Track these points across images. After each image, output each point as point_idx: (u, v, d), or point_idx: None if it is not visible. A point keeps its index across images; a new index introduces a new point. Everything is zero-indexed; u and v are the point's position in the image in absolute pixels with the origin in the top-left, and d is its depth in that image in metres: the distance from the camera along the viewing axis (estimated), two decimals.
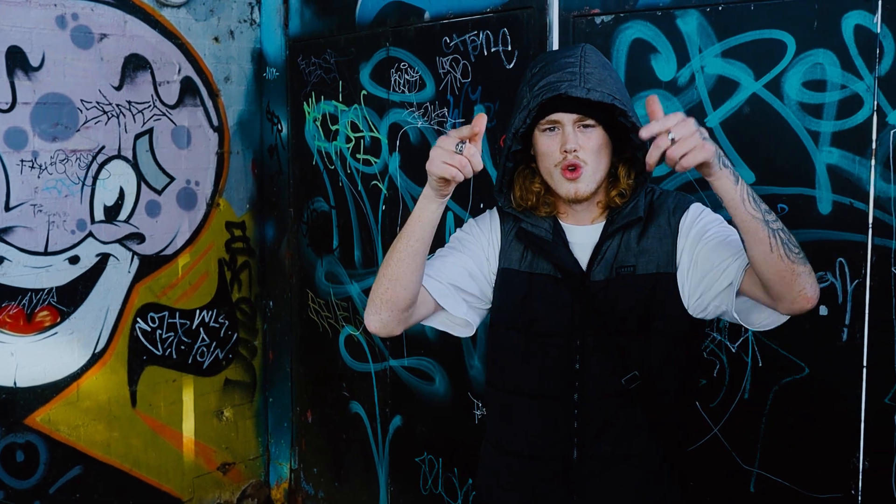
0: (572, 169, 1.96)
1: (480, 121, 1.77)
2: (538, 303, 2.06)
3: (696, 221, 2.01)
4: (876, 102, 2.53)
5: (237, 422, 4.54)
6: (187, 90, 4.19)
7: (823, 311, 2.65)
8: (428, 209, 1.91)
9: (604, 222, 2.07)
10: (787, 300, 1.84)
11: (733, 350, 2.81)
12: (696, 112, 2.80)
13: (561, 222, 2.11)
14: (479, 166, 1.78)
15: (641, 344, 2.02)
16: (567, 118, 1.95)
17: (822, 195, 2.63)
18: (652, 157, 1.69)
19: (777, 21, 2.65)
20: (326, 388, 4.26)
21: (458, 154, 1.75)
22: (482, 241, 2.14)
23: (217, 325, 4.41)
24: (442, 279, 2.07)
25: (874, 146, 2.54)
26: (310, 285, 4.31)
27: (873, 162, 2.55)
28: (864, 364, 2.61)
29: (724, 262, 1.92)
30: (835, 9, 2.56)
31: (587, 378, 2.03)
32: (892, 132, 2.51)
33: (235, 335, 4.50)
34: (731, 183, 1.75)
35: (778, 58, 2.66)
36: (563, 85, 1.92)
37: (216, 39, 4.30)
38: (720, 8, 2.74)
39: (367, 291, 3.84)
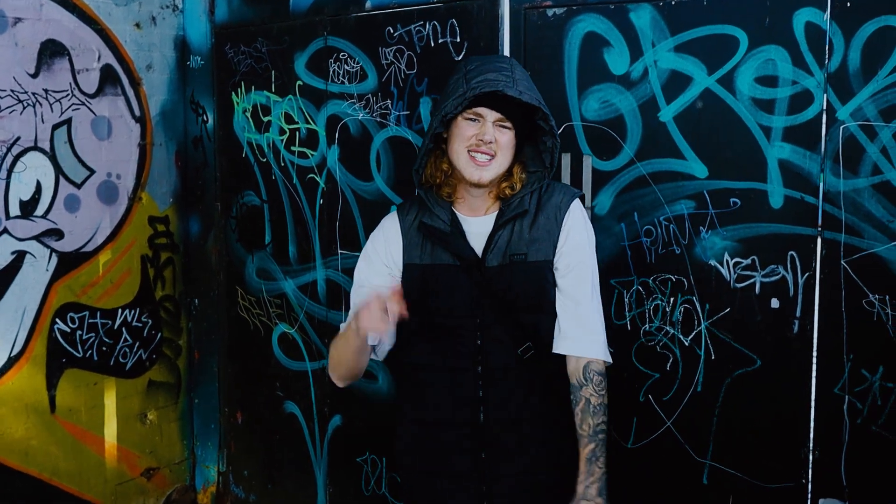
0: (483, 157, 2.24)
1: (397, 296, 2.13)
2: (441, 289, 2.33)
3: (571, 235, 2.31)
4: (826, 98, 2.57)
5: (161, 425, 4.36)
6: (108, 78, 3.98)
7: (775, 303, 2.69)
8: (361, 338, 2.23)
9: (496, 213, 2.34)
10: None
11: (686, 343, 2.83)
12: (650, 106, 2.80)
13: (457, 213, 2.37)
14: (389, 332, 2.17)
15: (533, 320, 2.31)
16: (490, 115, 2.24)
17: (774, 189, 2.66)
18: None
19: (730, 16, 2.67)
20: (258, 388, 4.13)
21: (384, 318, 2.09)
22: (381, 257, 2.42)
23: (140, 325, 4.22)
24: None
25: (824, 142, 2.59)
26: (239, 282, 4.17)
27: (823, 157, 2.59)
28: (815, 355, 2.66)
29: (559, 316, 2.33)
30: (786, 5, 2.60)
31: (489, 351, 2.31)
32: (841, 128, 2.55)
33: (159, 335, 4.32)
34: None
35: (730, 53, 2.68)
36: (500, 83, 2.21)
37: (138, 25, 4.10)
38: (673, 2, 2.74)
39: (302, 288, 3.76)
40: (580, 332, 2.29)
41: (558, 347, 2.30)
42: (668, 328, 2.86)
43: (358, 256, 2.46)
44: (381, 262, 2.41)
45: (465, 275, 2.31)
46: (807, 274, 2.64)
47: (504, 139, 2.26)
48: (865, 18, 2.49)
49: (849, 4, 2.51)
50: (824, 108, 2.58)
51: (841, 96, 2.55)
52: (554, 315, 2.32)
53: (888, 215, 2.52)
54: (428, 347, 2.37)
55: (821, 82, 2.57)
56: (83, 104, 3.89)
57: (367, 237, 2.46)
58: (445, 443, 2.37)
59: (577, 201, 2.36)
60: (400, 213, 2.45)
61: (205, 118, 4.23)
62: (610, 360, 2.33)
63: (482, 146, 2.23)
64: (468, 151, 2.24)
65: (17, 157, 3.63)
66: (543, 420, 2.36)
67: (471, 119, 2.25)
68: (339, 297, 3.65)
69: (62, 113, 3.80)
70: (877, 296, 2.55)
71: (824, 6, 2.55)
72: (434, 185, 2.37)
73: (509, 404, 2.33)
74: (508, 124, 2.26)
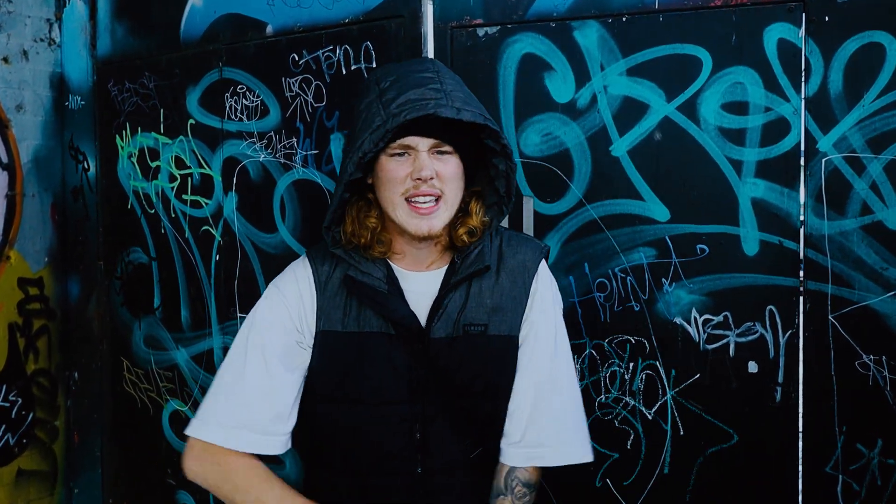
0: (427, 200, 1.77)
1: None
2: (370, 367, 1.84)
3: (539, 303, 1.90)
4: (804, 127, 2.25)
5: None
6: None
7: (753, 367, 2.33)
8: None
9: (444, 267, 1.89)
10: None
11: (650, 417, 2.42)
12: (600, 138, 2.42)
13: (394, 266, 1.89)
14: None
15: (488, 409, 1.88)
16: (423, 143, 1.77)
17: (748, 233, 2.31)
18: None
19: (690, 35, 2.34)
20: (147, 474, 3.56)
21: None
22: (292, 318, 1.88)
23: (7, 404, 3.62)
24: (268, 430, 1.85)
25: (804, 177, 2.26)
26: (125, 352, 3.61)
27: (803, 195, 2.26)
28: (801, 428, 2.32)
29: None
30: (755, 21, 2.28)
31: (430, 448, 1.86)
32: (823, 161, 2.23)
33: (31, 415, 3.72)
34: None
35: (692, 76, 2.35)
36: (429, 104, 1.72)
37: (6, 60, 3.59)
38: (624, 19, 2.38)
39: (196, 358, 3.25)
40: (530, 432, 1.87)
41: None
42: (627, 399, 2.46)
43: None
44: (291, 327, 1.88)
45: (402, 348, 1.84)
46: (789, 332, 2.30)
47: (448, 170, 1.78)
48: (847, 35, 2.20)
49: (827, 19, 2.22)
50: (803, 138, 2.27)
51: (822, 124, 2.23)
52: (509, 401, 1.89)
53: (881, 261, 2.19)
54: (349, 444, 1.88)
55: (798, 108, 2.26)
56: None
57: None
58: None
59: (544, 261, 1.95)
60: (313, 262, 1.92)
61: (86, 165, 3.71)
62: (589, 458, 1.91)
63: (421, 186, 1.76)
64: (406, 200, 1.78)
65: None
66: None
67: (398, 154, 1.78)
68: None
69: None
70: (871, 356, 2.22)
71: (799, 21, 2.24)
72: (360, 247, 1.88)
73: None
74: (448, 148, 1.79)
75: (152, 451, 3.53)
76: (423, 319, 1.85)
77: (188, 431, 1.86)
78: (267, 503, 1.78)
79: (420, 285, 1.88)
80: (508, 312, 1.86)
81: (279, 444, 1.85)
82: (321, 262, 1.91)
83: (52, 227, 3.79)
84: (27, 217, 3.68)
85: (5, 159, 3.59)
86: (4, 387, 3.62)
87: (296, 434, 1.90)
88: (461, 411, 1.86)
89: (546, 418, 1.86)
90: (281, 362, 1.85)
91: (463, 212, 1.87)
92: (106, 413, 3.75)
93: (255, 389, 1.83)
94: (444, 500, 1.88)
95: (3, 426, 3.61)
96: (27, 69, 3.68)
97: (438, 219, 1.78)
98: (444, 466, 1.87)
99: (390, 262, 1.89)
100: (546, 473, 2.51)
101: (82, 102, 3.73)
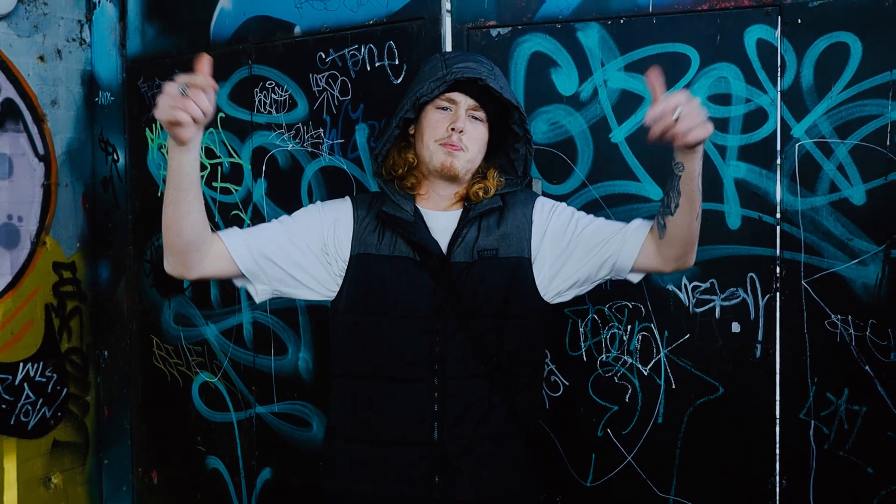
0: (453, 146, 2.11)
1: (202, 63, 1.81)
2: (399, 286, 2.11)
3: (553, 214, 2.19)
4: (780, 116, 2.53)
5: (67, 489, 4.00)
6: (8, 114, 3.70)
7: (736, 327, 2.60)
8: (176, 159, 1.89)
9: (460, 210, 2.18)
10: (685, 260, 2.11)
11: (645, 373, 2.71)
12: (601, 127, 2.71)
13: (420, 207, 2.19)
14: (207, 108, 1.80)
15: (498, 328, 2.11)
16: (465, 101, 2.12)
17: (731, 210, 2.59)
18: (654, 132, 1.86)
19: (680, 35, 2.62)
20: (176, 443, 3.82)
21: (183, 96, 1.76)
22: (324, 227, 2.18)
23: (43, 380, 3.88)
24: (251, 244, 2.11)
25: (780, 159, 2.54)
26: (154, 330, 3.88)
27: (779, 175, 2.54)
28: (778, 380, 2.58)
29: (613, 239, 2.13)
30: (737, 23, 2.56)
31: (447, 361, 2.09)
32: (796, 145, 2.51)
33: (65, 390, 3.98)
34: (700, 160, 1.95)
35: (682, 72, 2.62)
36: (483, 72, 2.10)
37: (41, 59, 3.84)
38: (622, 21, 2.67)
39: (226, 333, 3.52)
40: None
41: (631, 242, 2.12)
42: (625, 357, 2.73)
43: (284, 299, 2.20)
44: (316, 234, 2.17)
45: (427, 272, 2.11)
46: (767, 296, 2.57)
47: (476, 132, 2.14)
48: (817, 35, 2.47)
49: (800, 21, 2.49)
50: (779, 125, 2.53)
51: (795, 113, 2.51)
52: (522, 322, 2.14)
53: (847, 233, 2.47)
54: (378, 352, 2.12)
55: (774, 100, 2.53)
56: None
57: None
58: (392, 466, 2.12)
59: (541, 196, 2.27)
60: (353, 201, 2.26)
61: (115, 157, 3.97)
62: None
63: (453, 136, 2.10)
64: (437, 142, 2.12)
65: None
66: (504, 440, 2.15)
67: (443, 108, 2.13)
68: (267, 340, 3.41)
69: None
70: (839, 316, 2.50)
71: (775, 23, 2.52)
72: (395, 177, 2.21)
73: (467, 421, 2.10)
74: (482, 115, 2.14)
75: (182, 420, 3.79)
76: (444, 248, 2.13)
77: None
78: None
79: (440, 222, 2.17)
80: (514, 238, 2.14)
81: (248, 262, 2.11)
82: (361, 203, 2.24)
83: (84, 214, 4.05)
84: (61, 205, 3.93)
85: (42, 151, 3.84)
86: (41, 363, 3.87)
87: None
88: (475, 331, 2.10)
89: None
90: (295, 234, 2.16)
91: (481, 176, 2.20)
92: (135, 388, 3.99)
93: (264, 227, 2.19)
94: (456, 406, 2.10)
95: (41, 400, 3.86)
96: (61, 67, 3.94)
97: (458, 160, 2.11)
98: (458, 376, 2.10)
99: (417, 205, 2.19)
100: (552, 425, 2.82)
101: (111, 98, 3.99)
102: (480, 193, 2.17)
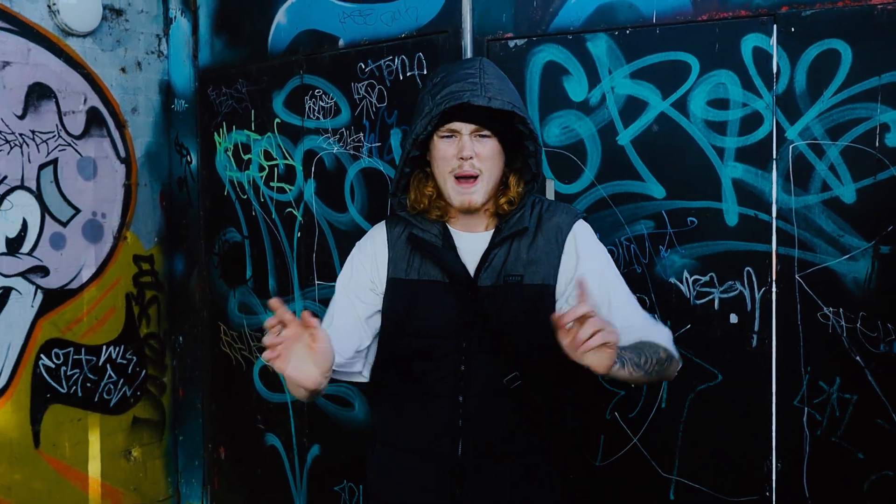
0: (467, 179, 2.11)
1: (275, 306, 1.81)
2: (425, 308, 2.16)
3: (580, 261, 2.15)
4: (775, 119, 2.66)
5: (146, 462, 4.40)
6: (93, 120, 4.10)
7: (734, 318, 2.75)
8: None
9: (491, 231, 2.20)
10: None
11: None
12: (609, 130, 2.90)
13: (450, 228, 2.23)
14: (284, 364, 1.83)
15: (522, 348, 2.12)
16: (465, 128, 2.10)
17: (729, 208, 2.74)
18: (564, 319, 1.73)
19: (681, 44, 2.78)
20: (240, 422, 4.17)
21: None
22: (366, 269, 2.25)
23: (124, 362, 4.28)
24: (343, 352, 2.14)
25: (775, 160, 2.67)
26: (222, 318, 4.23)
27: (774, 175, 2.67)
28: (774, 368, 2.71)
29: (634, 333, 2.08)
30: (734, 32, 2.70)
31: (472, 378, 2.13)
32: (790, 147, 2.64)
33: (144, 372, 4.37)
34: (621, 373, 1.90)
35: (683, 78, 2.78)
36: (465, 94, 2.06)
37: (123, 70, 4.23)
38: (627, 31, 2.85)
39: None
40: (639, 323, 2.13)
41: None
42: None
43: (333, 287, 2.33)
44: (366, 275, 2.24)
45: (453, 294, 2.14)
46: (763, 289, 2.71)
47: (486, 150, 2.11)
48: (809, 42, 2.60)
49: (793, 30, 2.62)
50: (774, 128, 2.66)
51: (789, 117, 2.64)
52: (545, 344, 1.98)
53: (838, 230, 2.59)
54: (407, 371, 2.19)
55: (770, 104, 2.67)
56: (69, 145, 4.00)
57: (342, 266, 2.36)
58: (418, 475, 2.20)
59: (581, 221, 2.23)
60: (388, 225, 2.30)
61: (189, 159, 4.34)
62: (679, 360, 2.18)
63: (464, 165, 2.10)
64: (454, 177, 2.12)
65: (3, 196, 3.73)
66: (526, 457, 2.19)
67: (447, 136, 2.13)
68: None
69: (49, 153, 3.91)
70: (830, 308, 2.62)
71: (770, 32, 2.65)
72: (420, 211, 2.24)
73: (490, 437, 2.15)
74: (487, 132, 2.11)
75: (245, 401, 4.13)
76: (472, 272, 2.15)
77: None
78: None
79: (471, 244, 2.19)
80: (542, 265, 2.13)
81: (356, 374, 2.25)
82: (394, 226, 2.27)
83: (161, 211, 4.43)
84: (140, 203, 4.32)
85: (123, 154, 4.24)
86: (122, 347, 4.26)
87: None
88: (498, 350, 2.12)
89: (635, 316, 2.15)
90: (359, 294, 2.22)
91: (504, 185, 2.20)
92: (206, 371, 4.36)
93: (342, 320, 2.21)
94: (479, 423, 2.14)
95: (122, 380, 4.26)
96: (140, 77, 4.32)
97: (477, 194, 2.12)
98: (482, 393, 2.13)
99: (448, 225, 2.22)
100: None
101: (185, 105, 4.35)
102: (506, 207, 2.18)
